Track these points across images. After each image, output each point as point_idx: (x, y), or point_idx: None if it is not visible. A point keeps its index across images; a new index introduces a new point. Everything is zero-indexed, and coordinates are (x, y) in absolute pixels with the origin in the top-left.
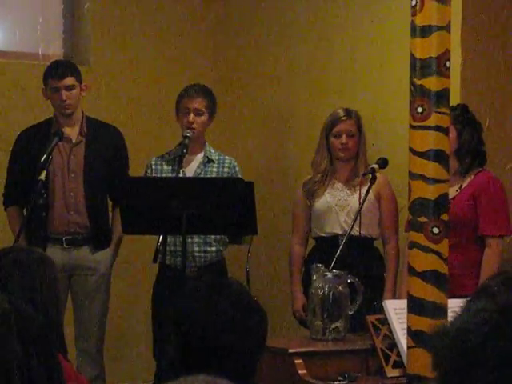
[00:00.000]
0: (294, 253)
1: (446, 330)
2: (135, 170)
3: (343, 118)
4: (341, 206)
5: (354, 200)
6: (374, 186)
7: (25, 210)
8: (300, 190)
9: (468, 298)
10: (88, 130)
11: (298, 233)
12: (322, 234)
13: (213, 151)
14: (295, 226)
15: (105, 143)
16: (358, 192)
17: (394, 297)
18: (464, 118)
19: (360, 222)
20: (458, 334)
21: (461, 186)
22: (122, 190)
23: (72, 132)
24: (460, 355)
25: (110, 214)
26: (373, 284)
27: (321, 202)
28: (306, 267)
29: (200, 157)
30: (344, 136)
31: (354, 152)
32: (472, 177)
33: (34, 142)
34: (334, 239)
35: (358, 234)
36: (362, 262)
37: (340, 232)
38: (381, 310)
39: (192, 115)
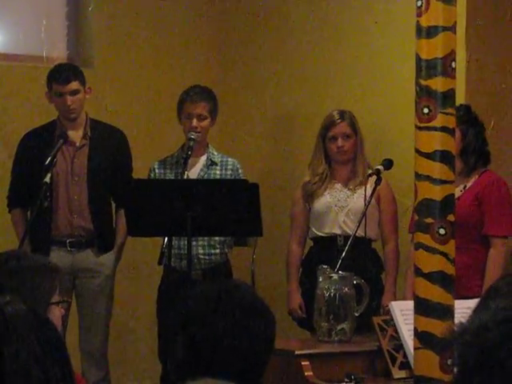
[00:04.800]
0: (292, 253)
1: (464, 328)
2: (139, 171)
3: (337, 121)
4: (340, 207)
5: (353, 201)
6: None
7: (29, 213)
8: (299, 190)
9: (481, 298)
10: (92, 132)
11: (296, 233)
12: (321, 234)
13: (215, 153)
14: (293, 226)
15: (109, 146)
16: (358, 193)
17: (393, 298)
18: (468, 118)
19: (366, 224)
20: (478, 333)
21: (465, 186)
22: (126, 193)
23: (76, 135)
24: (478, 353)
25: (114, 217)
26: (370, 285)
27: (320, 202)
28: (303, 268)
29: (203, 159)
30: (340, 139)
31: (351, 154)
32: (476, 177)
33: (38, 144)
34: (333, 239)
35: (361, 235)
36: (361, 263)
37: (339, 232)
38: (378, 310)
39: (195, 120)
